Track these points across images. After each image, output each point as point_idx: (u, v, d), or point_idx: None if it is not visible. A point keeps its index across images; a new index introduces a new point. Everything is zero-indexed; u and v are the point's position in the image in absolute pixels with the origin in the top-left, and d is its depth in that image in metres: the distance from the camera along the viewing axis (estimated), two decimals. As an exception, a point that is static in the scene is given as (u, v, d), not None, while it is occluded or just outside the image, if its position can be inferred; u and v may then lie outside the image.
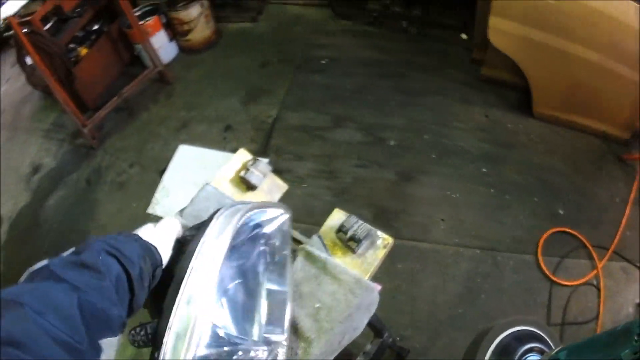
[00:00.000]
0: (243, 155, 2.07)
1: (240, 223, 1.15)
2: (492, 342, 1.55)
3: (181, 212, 1.84)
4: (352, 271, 1.69)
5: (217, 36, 5.02)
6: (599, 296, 3.04)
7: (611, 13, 3.09)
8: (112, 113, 4.49)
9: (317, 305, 1.64)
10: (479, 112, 3.96)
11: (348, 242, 1.78)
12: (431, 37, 4.48)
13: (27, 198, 4.31)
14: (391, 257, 3.15)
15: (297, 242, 1.90)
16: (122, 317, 1.03)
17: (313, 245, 1.77)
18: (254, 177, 1.94)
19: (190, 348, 0.97)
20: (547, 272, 3.12)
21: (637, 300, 3.03)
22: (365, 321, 1.74)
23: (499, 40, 3.52)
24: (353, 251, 1.78)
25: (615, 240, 3.20)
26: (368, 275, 1.74)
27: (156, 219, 3.40)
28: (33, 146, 4.65)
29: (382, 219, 3.41)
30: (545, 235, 3.25)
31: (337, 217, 1.89)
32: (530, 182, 3.56)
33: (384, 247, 1.81)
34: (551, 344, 1.61)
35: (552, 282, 3.10)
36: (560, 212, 3.39)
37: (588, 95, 3.56)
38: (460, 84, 4.13)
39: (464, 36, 4.36)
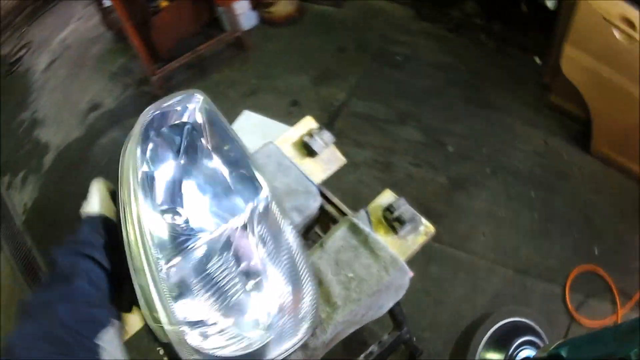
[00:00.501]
0: (309, 122, 2.14)
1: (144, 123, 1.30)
2: (490, 328, 1.47)
3: None
4: (391, 250, 1.74)
5: (299, 14, 5.08)
6: (612, 343, 3.03)
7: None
8: (184, 68, 4.59)
9: (351, 275, 1.70)
10: (539, 137, 3.95)
11: (393, 222, 1.83)
12: (506, 54, 4.47)
13: (79, 133, 4.45)
14: (426, 258, 3.23)
15: (341, 212, 1.97)
16: (104, 309, 1.12)
17: (359, 219, 1.83)
18: (316, 144, 2.00)
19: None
20: (570, 308, 3.10)
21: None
22: (391, 303, 1.80)
23: (570, 70, 3.51)
24: (396, 232, 1.83)
25: (640, 292, 3.17)
26: (405, 257, 1.79)
27: None
28: (96, 85, 4.80)
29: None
30: (576, 271, 3.24)
31: (387, 196, 1.95)
32: (574, 216, 3.54)
33: (425, 234, 1.86)
34: (546, 340, 1.53)
35: (573, 318, 3.08)
36: (596, 252, 3.37)
37: None
38: (526, 106, 4.12)
39: (537, 60, 4.34)
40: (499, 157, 3.85)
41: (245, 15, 4.87)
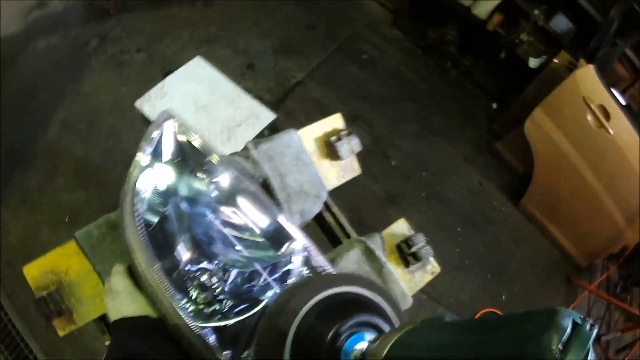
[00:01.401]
0: (338, 121, 2.01)
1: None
2: (313, 296, 0.94)
3: (255, 144, 1.77)
4: (402, 285, 1.69)
5: (279, -25, 4.85)
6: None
7: (626, 153, 3.28)
8: (144, -9, 4.29)
9: None
10: (476, 177, 4.07)
11: (408, 255, 1.78)
12: (466, 89, 4.53)
13: (18, 28, 4.07)
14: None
15: (339, 224, 1.89)
16: None
17: (373, 243, 1.74)
18: (343, 149, 1.88)
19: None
20: None
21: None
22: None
23: (532, 130, 3.61)
24: (406, 265, 1.78)
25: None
26: (411, 293, 1.75)
27: (139, 116, 3.48)
28: (47, -15, 4.40)
29: (355, 229, 3.41)
30: (483, 310, 3.41)
31: (402, 226, 1.89)
32: (491, 259, 3.71)
33: (432, 273, 1.83)
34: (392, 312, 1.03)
35: None
36: (504, 297, 3.57)
37: (573, 215, 3.74)
38: (471, 144, 4.21)
39: (494, 105, 4.44)
40: (436, 184, 3.91)
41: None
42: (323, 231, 1.96)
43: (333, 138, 1.90)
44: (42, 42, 4.00)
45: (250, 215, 1.48)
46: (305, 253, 1.41)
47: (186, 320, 1.14)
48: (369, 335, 0.85)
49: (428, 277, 1.84)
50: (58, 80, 3.86)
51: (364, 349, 0.82)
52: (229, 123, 3.66)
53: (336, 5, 4.82)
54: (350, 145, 1.91)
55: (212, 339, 1.17)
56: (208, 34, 4.28)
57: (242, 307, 1.36)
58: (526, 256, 3.82)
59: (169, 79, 3.88)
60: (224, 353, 1.18)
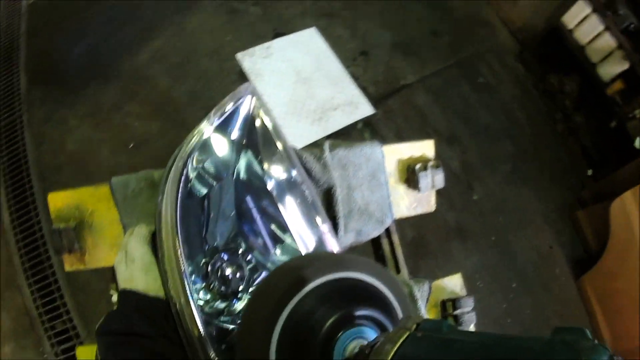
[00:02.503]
0: (429, 147, 1.85)
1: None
2: (310, 282, 0.82)
3: (332, 147, 1.62)
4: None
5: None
6: None
7: None
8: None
9: None
10: (548, 240, 3.83)
11: (449, 315, 1.63)
12: (567, 146, 4.26)
13: None
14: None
15: (394, 255, 1.76)
16: None
17: (420, 291, 1.59)
18: (425, 181, 1.71)
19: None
20: None
21: None
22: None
23: (616, 210, 3.35)
24: (445, 323, 1.64)
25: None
26: None
27: (236, 68, 3.52)
28: None
29: (413, 250, 3.34)
30: None
31: (455, 282, 1.74)
32: (533, 327, 3.50)
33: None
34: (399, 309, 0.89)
35: None
36: None
37: (623, 310, 3.40)
38: (555, 203, 3.97)
39: (589, 172, 4.17)
40: (508, 233, 3.71)
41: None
42: (375, 256, 1.83)
43: (418, 166, 1.73)
44: None
45: (296, 220, 1.35)
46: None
47: (193, 311, 1.09)
48: (368, 332, 0.78)
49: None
50: (165, 9, 3.85)
51: (358, 348, 0.74)
52: (325, 104, 3.56)
53: (468, 20, 4.61)
54: (433, 180, 1.74)
55: (211, 337, 1.11)
56: (331, 8, 4.15)
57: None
58: (565, 338, 3.58)
59: (278, 41, 3.80)
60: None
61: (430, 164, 1.74)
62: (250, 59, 3.67)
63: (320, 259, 0.92)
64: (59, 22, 3.69)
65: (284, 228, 1.35)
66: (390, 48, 4.12)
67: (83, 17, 3.74)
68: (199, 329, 1.08)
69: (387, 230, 1.76)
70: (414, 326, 0.69)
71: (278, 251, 1.36)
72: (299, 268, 0.83)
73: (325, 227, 1.34)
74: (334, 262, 0.87)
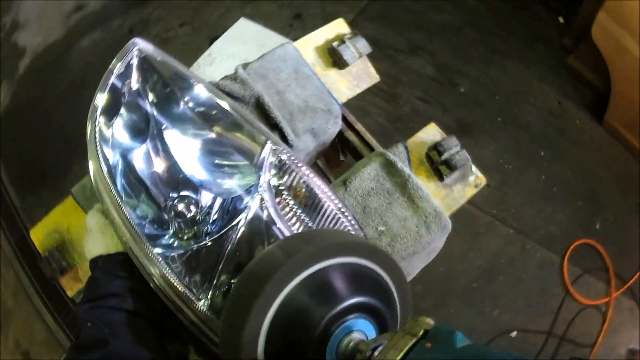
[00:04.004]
0: (341, 25, 1.77)
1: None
2: (303, 269, 0.75)
3: (245, 66, 1.56)
4: (434, 201, 1.41)
5: None
6: (602, 325, 3.00)
7: None
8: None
9: (381, 228, 1.36)
10: (554, 96, 3.70)
11: (439, 165, 1.50)
12: (530, 9, 4.09)
13: (59, 35, 4.08)
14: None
15: (366, 144, 1.65)
16: None
17: (396, 155, 1.47)
18: (348, 52, 1.64)
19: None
20: (567, 280, 3.04)
21: (631, 346, 2.99)
22: (420, 268, 1.49)
23: (600, 38, 3.19)
24: (441, 178, 1.50)
25: (634, 278, 3.09)
26: (449, 212, 1.48)
27: None
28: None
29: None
30: (577, 243, 3.14)
31: (432, 132, 1.61)
32: (580, 185, 3.40)
33: (475, 186, 1.54)
34: (398, 312, 0.82)
35: (567, 292, 3.02)
36: (597, 226, 3.26)
37: None
38: (543, 63, 3.83)
39: (561, 19, 4.01)
40: (512, 108, 3.60)
41: None
42: (351, 154, 1.73)
43: (335, 43, 1.68)
44: (85, 41, 4.02)
45: (234, 139, 1.28)
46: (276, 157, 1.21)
47: (139, 238, 1.07)
48: (363, 324, 0.72)
49: (471, 191, 1.55)
50: (103, 71, 3.80)
51: (353, 344, 0.69)
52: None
53: None
54: (357, 48, 1.65)
55: (174, 265, 1.09)
56: (250, -8, 4.09)
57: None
58: (616, 180, 3.44)
59: (216, 44, 3.75)
60: (187, 280, 1.08)
61: (347, 36, 1.66)
62: (198, 72, 3.61)
63: (310, 242, 0.84)
64: (22, 129, 3.78)
65: (222, 152, 1.31)
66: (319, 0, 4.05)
67: (42, 114, 3.80)
68: (156, 264, 1.05)
69: (348, 124, 1.65)
70: (422, 332, 0.64)
71: (224, 174, 1.31)
72: (286, 256, 0.77)
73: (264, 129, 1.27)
74: (326, 247, 0.80)
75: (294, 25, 3.92)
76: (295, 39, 3.50)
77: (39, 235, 1.53)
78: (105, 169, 1.15)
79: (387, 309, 0.78)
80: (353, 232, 1.20)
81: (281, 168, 1.18)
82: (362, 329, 0.73)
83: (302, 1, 4.05)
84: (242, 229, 1.14)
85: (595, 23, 3.14)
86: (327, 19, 3.72)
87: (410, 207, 1.38)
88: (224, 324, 0.84)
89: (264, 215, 1.16)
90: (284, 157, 1.18)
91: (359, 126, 1.66)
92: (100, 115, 1.23)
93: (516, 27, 4.01)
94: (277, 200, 1.18)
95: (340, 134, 1.65)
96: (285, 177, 1.18)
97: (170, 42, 3.95)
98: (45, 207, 3.23)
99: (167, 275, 1.04)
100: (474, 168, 1.56)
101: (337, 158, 1.86)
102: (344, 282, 0.76)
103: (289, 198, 1.19)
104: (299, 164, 1.18)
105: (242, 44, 3.70)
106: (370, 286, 0.78)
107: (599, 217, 3.28)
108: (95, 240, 1.17)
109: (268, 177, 1.18)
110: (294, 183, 1.18)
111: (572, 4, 3.81)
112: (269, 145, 1.18)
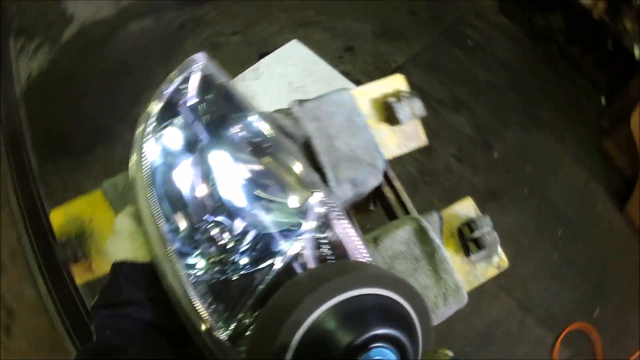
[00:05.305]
0: (399, 81, 1.80)
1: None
2: (335, 295, 0.81)
3: (300, 102, 1.60)
4: (457, 275, 1.45)
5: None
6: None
7: None
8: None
9: None
10: (582, 177, 3.73)
11: (469, 241, 1.55)
12: (573, 82, 4.16)
13: (110, 13, 4.12)
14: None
15: (401, 203, 1.69)
16: None
17: (430, 223, 1.52)
18: (403, 111, 1.66)
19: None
20: None
21: None
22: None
23: (637, 125, 3.28)
24: (467, 254, 1.55)
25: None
26: (468, 288, 1.52)
27: None
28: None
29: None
30: (573, 327, 3.18)
31: (467, 207, 1.67)
32: (590, 270, 3.41)
33: (497, 267, 1.59)
34: (420, 345, 0.87)
35: None
36: (596, 314, 3.29)
37: None
38: (578, 141, 3.87)
39: (603, 100, 4.06)
40: (540, 181, 3.62)
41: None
42: (384, 209, 1.77)
43: (392, 99, 1.69)
44: (134, 26, 4.05)
45: (281, 176, 1.31)
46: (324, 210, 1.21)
47: (169, 252, 1.08)
48: (387, 354, 0.75)
49: (492, 272, 1.59)
50: (151, 62, 3.88)
51: None
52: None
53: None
54: (412, 108, 1.69)
55: (199, 287, 1.10)
56: (305, 18, 4.17)
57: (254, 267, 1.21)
58: (626, 272, 3.44)
59: (264, 60, 3.81)
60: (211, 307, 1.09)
61: (404, 94, 1.70)
62: (242, 84, 3.66)
63: (343, 272, 0.88)
64: (55, 98, 3.76)
65: (265, 185, 1.31)
66: (373, 37, 4.10)
67: (77, 88, 3.81)
68: (179, 277, 1.07)
69: (387, 179, 1.70)
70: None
71: (260, 208, 1.30)
72: (321, 281, 0.81)
73: (315, 177, 1.29)
74: (357, 277, 0.84)
75: (344, 57, 3.96)
76: (343, 71, 3.59)
77: (59, 218, 1.52)
78: (146, 174, 1.17)
79: (410, 341, 0.80)
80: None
81: (326, 222, 1.19)
82: (385, 359, 0.76)
83: (355, 35, 4.11)
84: (276, 271, 1.15)
85: (636, 111, 3.21)
86: (377, 59, 3.87)
87: (433, 277, 1.43)
88: (254, 338, 0.89)
89: (300, 261, 1.17)
90: (332, 213, 1.20)
91: (397, 184, 1.70)
92: (152, 122, 1.23)
93: (559, 100, 4.05)
94: (316, 252, 1.20)
95: (377, 187, 1.68)
96: (328, 232, 1.19)
97: (220, 47, 4.00)
98: (62, 178, 3.38)
99: (191, 296, 1.06)
100: (499, 250, 1.60)
101: (366, 206, 1.89)
102: (372, 312, 0.80)
103: (327, 250, 1.20)
104: (344, 222, 1.20)
105: (290, 66, 3.76)
106: (396, 318, 0.82)
107: (599, 305, 3.30)
108: (123, 244, 1.16)
109: (311, 226, 1.19)
110: (335, 238, 1.19)
111: (616, 85, 3.86)
112: (318, 196, 1.20)
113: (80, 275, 1.48)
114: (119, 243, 1.16)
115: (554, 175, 3.69)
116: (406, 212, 1.67)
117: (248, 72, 3.72)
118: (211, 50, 3.84)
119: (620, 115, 3.55)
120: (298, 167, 1.27)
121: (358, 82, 3.55)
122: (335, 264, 1.17)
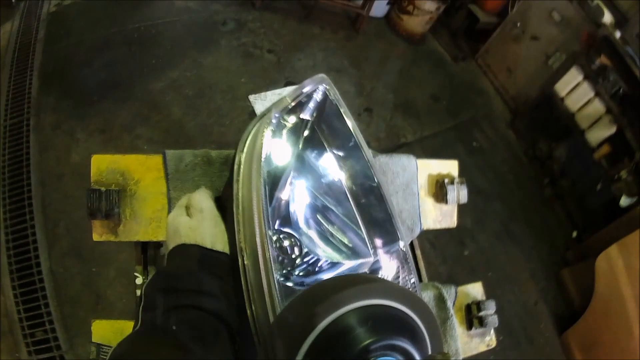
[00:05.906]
0: (454, 167, 2.01)
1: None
2: (343, 306, 0.85)
3: (374, 154, 1.70)
4: (459, 343, 1.66)
5: (421, 39, 4.99)
6: None
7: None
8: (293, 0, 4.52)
9: None
10: (534, 296, 3.98)
11: (474, 318, 1.76)
12: (553, 210, 4.46)
13: None
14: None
15: (418, 275, 1.86)
16: None
17: (447, 293, 1.71)
18: (452, 194, 1.85)
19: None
20: None
21: None
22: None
23: (601, 266, 3.50)
24: (469, 328, 1.75)
25: None
26: (463, 357, 1.73)
27: (248, 109, 3.47)
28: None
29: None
30: None
31: (477, 289, 1.87)
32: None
33: (487, 345, 1.79)
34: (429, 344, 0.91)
35: None
36: None
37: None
38: (541, 261, 4.14)
39: (574, 234, 4.34)
40: (497, 289, 3.85)
41: (377, 4, 4.68)
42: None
43: (446, 180, 1.88)
44: (180, 2, 4.17)
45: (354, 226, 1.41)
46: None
47: (271, 262, 1.00)
48: None
49: (482, 347, 1.78)
50: (184, 43, 4.00)
51: None
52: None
53: (466, 87, 4.90)
54: (459, 194, 1.89)
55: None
56: (340, 65, 4.39)
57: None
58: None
59: (289, 89, 3.96)
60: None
61: (457, 180, 1.90)
62: (262, 103, 3.76)
63: (365, 282, 0.91)
64: (80, 34, 3.79)
65: (345, 223, 1.41)
66: (393, 108, 4.34)
67: (105, 35, 3.86)
68: (274, 280, 1.00)
69: (411, 244, 1.87)
70: None
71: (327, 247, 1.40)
72: (347, 285, 0.85)
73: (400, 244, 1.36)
74: (377, 289, 0.88)
75: (362, 116, 4.16)
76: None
77: (101, 164, 1.41)
78: (263, 166, 1.11)
79: (419, 354, 0.84)
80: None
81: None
82: None
83: (378, 100, 4.34)
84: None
85: (605, 252, 3.46)
86: (390, 129, 4.12)
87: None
88: (285, 312, 0.90)
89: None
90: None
91: (418, 253, 1.90)
92: (277, 116, 1.23)
93: (535, 221, 4.33)
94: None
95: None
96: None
97: (252, 58, 4.12)
98: (57, 118, 3.37)
99: (276, 302, 0.99)
100: (492, 331, 1.81)
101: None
102: (396, 323, 0.85)
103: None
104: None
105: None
106: (414, 336, 0.86)
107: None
108: (205, 226, 1.06)
109: (351, 265, 1.34)
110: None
111: (592, 226, 4.12)
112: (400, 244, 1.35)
113: (100, 233, 1.37)
114: (199, 221, 1.07)
115: (510, 285, 3.92)
116: (419, 276, 1.87)
117: (271, 94, 3.82)
118: (244, 58, 4.02)
119: (586, 253, 3.82)
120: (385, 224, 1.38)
121: (367, 144, 3.80)
122: (367, 275, 1.30)
